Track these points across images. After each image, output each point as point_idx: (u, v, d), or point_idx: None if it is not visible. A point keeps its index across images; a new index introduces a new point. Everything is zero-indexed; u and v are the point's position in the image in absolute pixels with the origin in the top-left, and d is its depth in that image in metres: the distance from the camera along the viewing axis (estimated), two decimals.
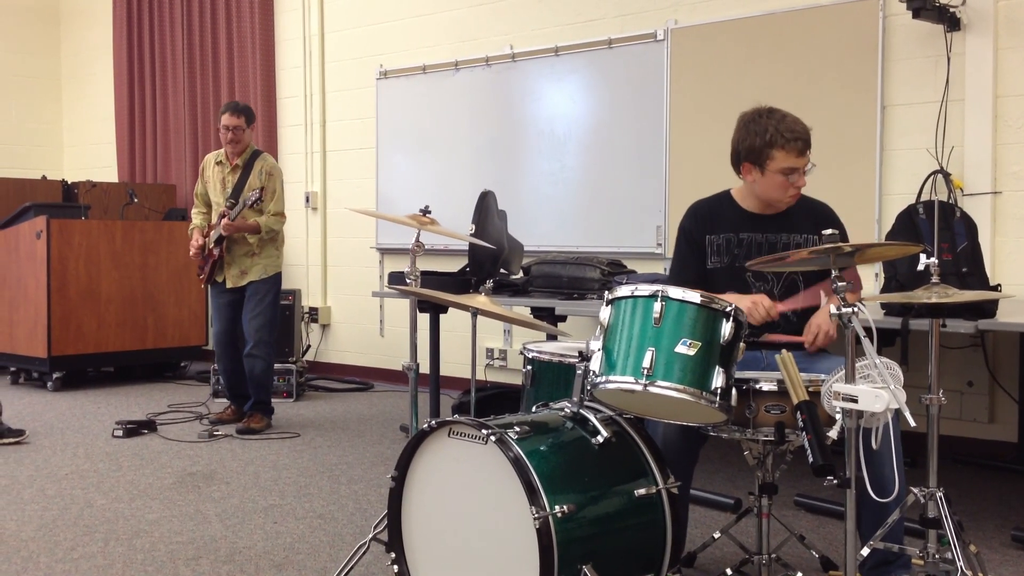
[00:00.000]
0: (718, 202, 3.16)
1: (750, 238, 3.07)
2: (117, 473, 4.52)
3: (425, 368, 4.66)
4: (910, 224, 4.11)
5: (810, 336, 2.88)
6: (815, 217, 3.07)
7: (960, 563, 2.53)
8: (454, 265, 5.55)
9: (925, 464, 2.63)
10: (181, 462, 4.74)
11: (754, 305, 2.82)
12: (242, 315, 5.54)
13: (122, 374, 7.32)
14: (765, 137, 2.94)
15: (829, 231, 2.44)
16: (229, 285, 5.51)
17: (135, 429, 5.34)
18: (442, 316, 5.10)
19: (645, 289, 2.56)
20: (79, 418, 5.83)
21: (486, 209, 4.93)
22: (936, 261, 2.57)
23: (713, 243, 3.09)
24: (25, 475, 4.48)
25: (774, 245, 3.05)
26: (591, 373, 2.58)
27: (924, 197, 4.58)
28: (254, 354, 5.49)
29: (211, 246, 5.48)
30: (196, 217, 5.67)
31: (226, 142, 5.49)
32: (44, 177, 8.42)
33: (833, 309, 2.33)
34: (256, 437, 5.27)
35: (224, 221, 5.35)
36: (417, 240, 3.24)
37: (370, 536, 3.07)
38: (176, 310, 7.31)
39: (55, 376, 6.75)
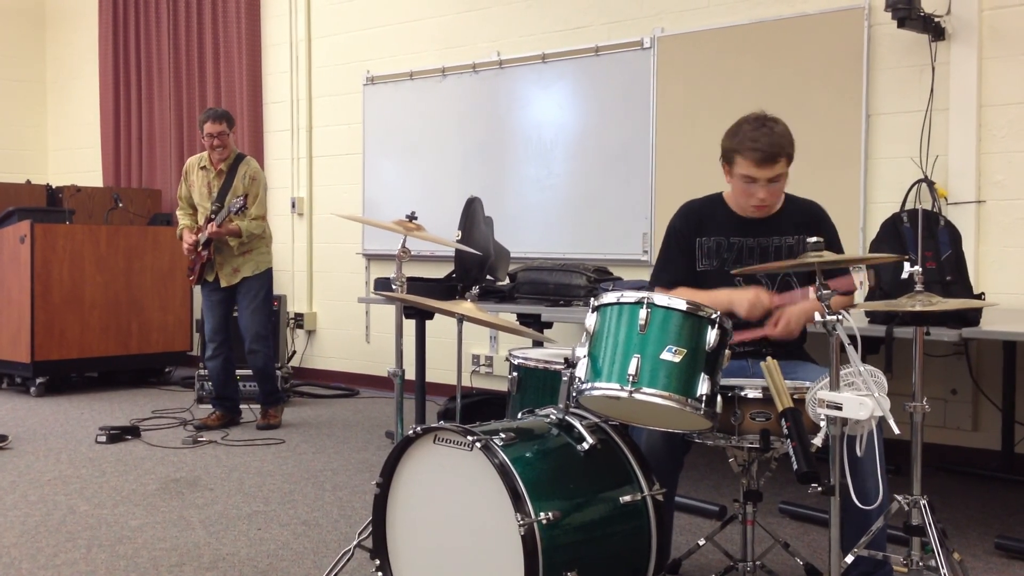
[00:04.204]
0: (710, 204, 3.15)
1: (740, 242, 3.07)
2: (100, 479, 4.49)
3: (411, 374, 4.64)
4: (894, 232, 4.13)
5: (772, 322, 2.87)
6: (804, 218, 3.08)
7: (944, 571, 2.53)
8: (440, 271, 5.55)
9: (909, 472, 2.64)
10: (165, 468, 4.71)
11: (756, 298, 2.84)
12: (237, 315, 5.68)
13: (106, 379, 7.27)
14: (734, 140, 2.96)
15: (814, 239, 2.45)
16: (223, 284, 5.61)
17: (119, 435, 5.31)
18: (428, 322, 5.10)
19: (631, 296, 2.56)
20: (62, 423, 5.79)
21: (473, 215, 4.92)
22: (920, 269, 2.58)
23: (703, 245, 3.09)
24: (7, 481, 4.45)
25: (765, 249, 3.05)
26: (576, 380, 2.58)
27: (908, 206, 4.60)
28: (254, 349, 5.61)
29: (200, 249, 5.56)
30: (183, 219, 5.74)
31: (211, 148, 5.58)
32: (28, 181, 8.37)
33: (818, 317, 2.34)
34: (241, 443, 5.25)
35: (211, 227, 5.44)
36: (403, 246, 3.23)
37: (355, 543, 3.07)
38: (161, 315, 7.28)
39: (38, 381, 6.71)
